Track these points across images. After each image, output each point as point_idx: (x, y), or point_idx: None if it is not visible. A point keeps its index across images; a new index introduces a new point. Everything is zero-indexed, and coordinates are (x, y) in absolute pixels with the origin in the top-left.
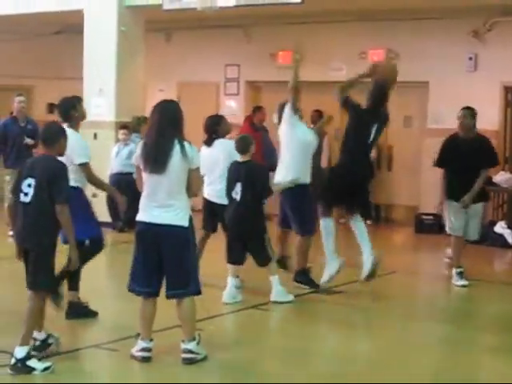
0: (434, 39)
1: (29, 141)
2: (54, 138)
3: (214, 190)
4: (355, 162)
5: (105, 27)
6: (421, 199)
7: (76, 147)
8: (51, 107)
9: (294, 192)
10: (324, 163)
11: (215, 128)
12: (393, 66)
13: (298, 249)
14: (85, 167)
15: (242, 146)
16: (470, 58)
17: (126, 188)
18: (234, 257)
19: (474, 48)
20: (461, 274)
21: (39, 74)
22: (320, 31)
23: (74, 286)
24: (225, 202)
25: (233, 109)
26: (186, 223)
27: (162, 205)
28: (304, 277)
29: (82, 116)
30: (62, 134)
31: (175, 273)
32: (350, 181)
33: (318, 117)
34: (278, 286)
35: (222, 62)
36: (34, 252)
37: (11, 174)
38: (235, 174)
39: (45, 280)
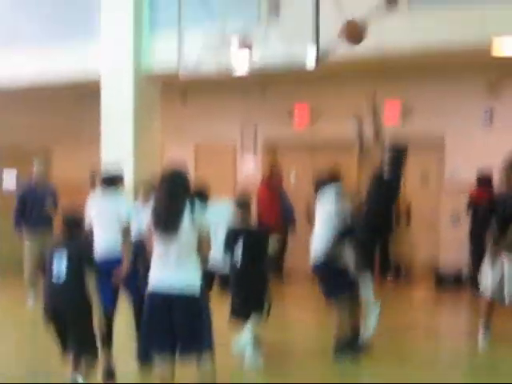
0: (450, 94)
1: (49, 205)
2: (75, 225)
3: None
4: (380, 223)
5: (122, 93)
6: (440, 255)
7: (123, 209)
8: (93, 178)
9: (324, 263)
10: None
11: (203, 197)
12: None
13: (337, 319)
14: (128, 228)
15: (242, 203)
16: (486, 112)
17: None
18: (238, 314)
19: (490, 102)
20: (486, 333)
21: (58, 139)
22: (336, 88)
23: (107, 345)
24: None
25: (250, 168)
26: (197, 289)
27: (173, 267)
28: (345, 350)
29: (123, 184)
30: (81, 221)
31: (187, 338)
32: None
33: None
34: (248, 340)
35: (239, 121)
36: (73, 318)
37: (32, 241)
38: (235, 239)
39: (88, 345)
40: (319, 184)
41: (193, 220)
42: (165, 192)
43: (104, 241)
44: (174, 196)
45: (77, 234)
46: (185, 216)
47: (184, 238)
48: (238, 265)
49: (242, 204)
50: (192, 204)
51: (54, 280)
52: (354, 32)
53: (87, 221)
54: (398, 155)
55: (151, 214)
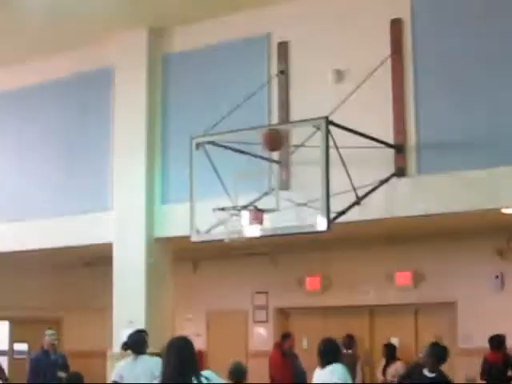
0: (460, 259)
1: (62, 374)
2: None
3: None
4: None
5: (133, 259)
6: None
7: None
8: (125, 346)
9: None
10: None
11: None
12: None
13: None
14: None
15: (238, 373)
16: (497, 277)
17: None
18: None
19: (500, 266)
20: None
21: (68, 306)
22: (346, 256)
23: None
24: None
25: (262, 336)
26: None
27: None
28: None
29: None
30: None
31: None
32: None
33: (349, 341)
34: None
35: (250, 289)
36: None
37: None
38: None
39: None
40: (324, 356)
41: None
42: (172, 369)
43: None
44: (181, 373)
45: None
46: None
47: None
48: None
49: (236, 374)
50: (199, 378)
51: None
52: (274, 140)
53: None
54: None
55: None
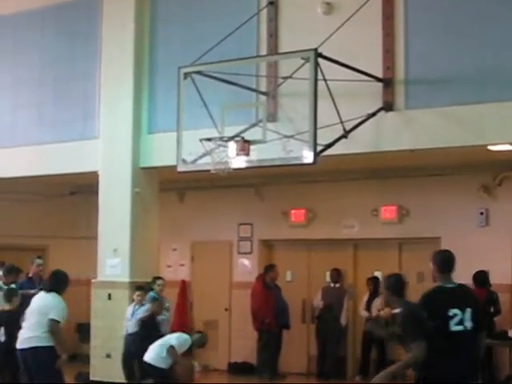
0: (445, 195)
1: None
2: None
3: None
4: None
5: (119, 188)
6: None
7: None
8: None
9: None
10: (344, 320)
11: None
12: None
13: None
14: None
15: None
16: (482, 213)
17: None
18: None
19: (485, 203)
20: None
21: (54, 234)
22: (331, 189)
23: None
24: None
25: (246, 267)
26: None
27: None
28: None
29: None
30: None
31: None
32: None
33: (337, 275)
34: None
35: (235, 220)
36: None
37: None
38: None
39: None
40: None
41: None
42: None
43: None
44: None
45: None
46: None
47: None
48: None
49: None
50: None
51: None
52: None
53: None
54: None
55: None
